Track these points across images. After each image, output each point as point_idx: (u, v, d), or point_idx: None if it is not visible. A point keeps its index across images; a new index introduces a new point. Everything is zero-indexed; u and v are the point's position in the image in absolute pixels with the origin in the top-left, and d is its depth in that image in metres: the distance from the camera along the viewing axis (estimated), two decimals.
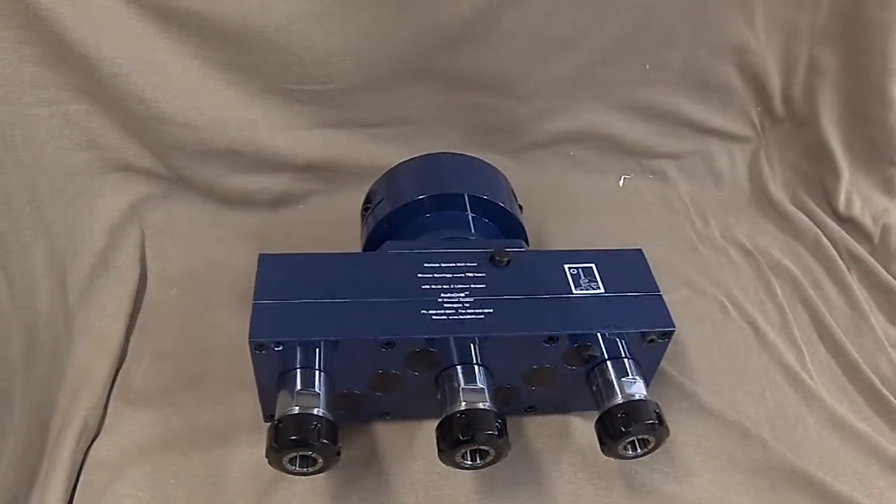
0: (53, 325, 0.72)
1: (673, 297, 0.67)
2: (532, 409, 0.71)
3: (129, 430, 0.69)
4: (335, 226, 0.86)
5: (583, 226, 0.95)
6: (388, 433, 0.70)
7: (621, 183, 1.03)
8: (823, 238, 0.94)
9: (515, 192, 0.81)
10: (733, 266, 0.92)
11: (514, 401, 0.68)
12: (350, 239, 0.81)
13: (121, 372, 0.74)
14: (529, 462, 0.69)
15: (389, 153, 0.90)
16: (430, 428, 0.67)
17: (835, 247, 0.94)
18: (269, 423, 0.58)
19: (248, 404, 0.67)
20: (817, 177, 1.01)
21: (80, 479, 0.65)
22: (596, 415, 0.64)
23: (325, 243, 0.82)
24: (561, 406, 0.71)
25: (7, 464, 0.61)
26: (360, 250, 0.77)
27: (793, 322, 0.84)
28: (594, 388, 0.65)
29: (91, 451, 0.67)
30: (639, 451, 0.63)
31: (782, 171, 1.04)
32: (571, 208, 0.97)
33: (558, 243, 0.91)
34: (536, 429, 0.71)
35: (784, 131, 1.04)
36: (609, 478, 0.68)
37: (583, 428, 0.71)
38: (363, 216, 0.78)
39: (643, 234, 0.94)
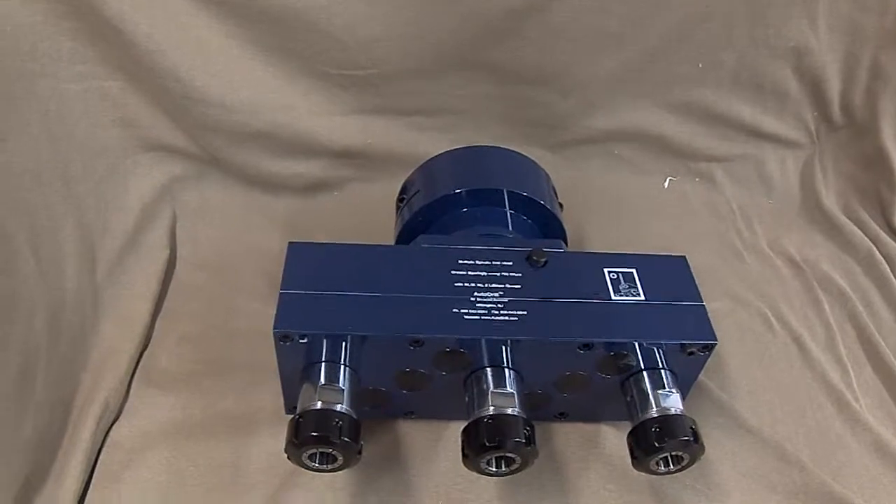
0: (80, 303, 0.71)
1: (714, 306, 0.64)
2: (562, 416, 0.69)
3: (150, 413, 0.69)
4: (370, 215, 0.85)
5: (624, 227, 0.92)
6: (412, 432, 0.68)
7: (666, 185, 1.00)
8: (877, 252, 0.91)
9: (556, 189, 0.78)
10: (779, 278, 0.88)
11: (543, 406, 0.66)
12: (384, 229, 0.79)
13: (145, 354, 0.74)
14: (556, 470, 0.67)
15: (429, 143, 0.89)
16: (456, 429, 0.66)
17: (888, 262, 0.90)
18: (291, 415, 0.57)
19: (271, 394, 0.66)
20: (873, 188, 0.97)
21: (99, 460, 0.65)
22: (628, 425, 0.62)
23: (359, 232, 0.82)
24: (592, 414, 0.69)
25: (26, 441, 0.61)
26: (393, 242, 0.76)
27: (840, 339, 0.81)
28: (628, 399, 0.63)
29: (111, 433, 0.67)
30: (671, 467, 0.60)
31: (836, 181, 1.00)
32: (613, 208, 0.95)
33: (598, 244, 0.88)
34: (565, 436, 0.69)
35: (840, 139, 1.00)
36: (638, 491, 0.66)
37: (613, 438, 0.69)
38: (398, 207, 0.77)
39: (686, 240, 0.91)
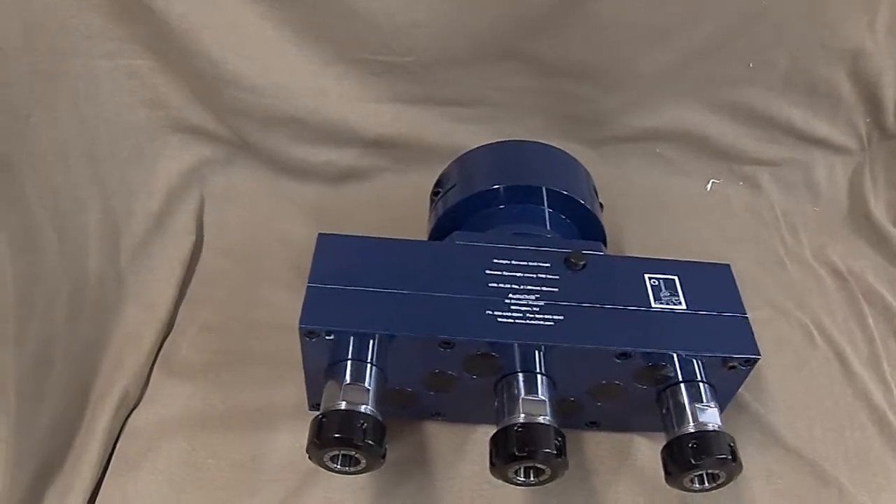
0: (102, 286, 0.70)
1: (754, 316, 0.62)
2: (594, 425, 0.67)
3: (169, 402, 0.68)
4: (402, 207, 0.83)
5: (663, 229, 0.90)
6: (438, 434, 0.67)
7: (709, 187, 0.97)
8: None
9: (596, 187, 0.76)
10: (823, 289, 0.85)
11: (575, 415, 0.64)
12: (416, 222, 0.78)
13: (167, 340, 0.73)
14: (585, 480, 0.65)
15: (465, 134, 0.87)
16: (484, 433, 0.66)
17: None
18: (313, 412, 0.55)
19: (294, 388, 0.64)
20: None
21: (117, 448, 0.64)
22: (662, 436, 0.60)
23: (390, 224, 0.80)
24: (625, 424, 0.67)
25: (43, 426, 0.60)
26: (426, 236, 0.74)
27: (883, 356, 0.78)
28: (664, 411, 0.60)
29: (130, 420, 0.66)
30: (706, 484, 0.58)
31: (886, 191, 0.96)
32: (653, 209, 0.92)
33: (636, 246, 0.86)
34: (596, 445, 0.67)
35: (893, 147, 0.96)
36: None
37: (646, 449, 0.66)
38: (432, 201, 0.75)
39: (727, 245, 0.88)
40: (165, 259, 0.77)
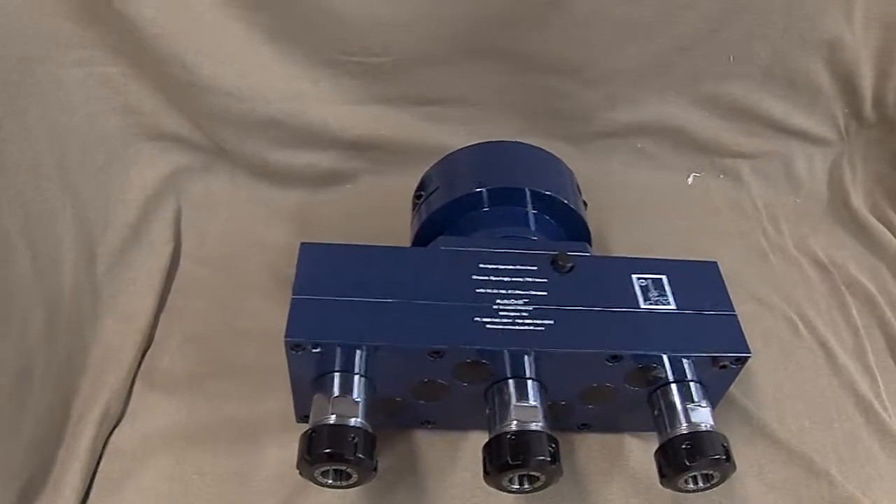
0: (79, 301, 0.68)
1: (740, 310, 0.62)
2: (585, 427, 0.66)
3: (152, 418, 0.66)
4: (383, 209, 0.82)
5: (646, 225, 0.90)
6: (429, 442, 0.66)
7: (690, 181, 0.97)
8: None
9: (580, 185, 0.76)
10: (806, 280, 0.85)
11: (567, 417, 0.64)
12: (399, 224, 0.77)
13: (147, 353, 0.71)
14: (577, 483, 0.64)
15: (445, 134, 0.86)
16: (475, 439, 0.65)
17: None
18: (301, 423, 0.55)
19: (280, 398, 0.63)
20: None
21: (99, 467, 0.63)
22: (653, 436, 0.60)
23: (372, 227, 0.80)
24: (616, 425, 0.66)
25: (23, 447, 0.59)
26: (409, 238, 0.73)
27: (868, 346, 0.78)
28: (656, 412, 0.60)
29: (112, 438, 0.65)
30: (700, 485, 0.58)
31: (865, 180, 0.97)
32: (635, 204, 0.92)
33: (620, 242, 0.86)
34: (587, 447, 0.67)
35: (871, 137, 0.97)
36: None
37: (637, 450, 0.66)
38: (415, 204, 0.74)
39: (710, 239, 0.88)
40: (143, 269, 0.76)
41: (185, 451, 0.64)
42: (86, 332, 0.69)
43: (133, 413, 0.66)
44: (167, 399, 0.67)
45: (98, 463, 0.63)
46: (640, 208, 0.92)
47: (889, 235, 0.90)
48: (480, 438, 0.57)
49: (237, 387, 0.68)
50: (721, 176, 0.97)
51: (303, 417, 0.61)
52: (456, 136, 0.82)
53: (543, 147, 0.75)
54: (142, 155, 0.79)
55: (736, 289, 0.63)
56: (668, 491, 0.60)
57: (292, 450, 0.53)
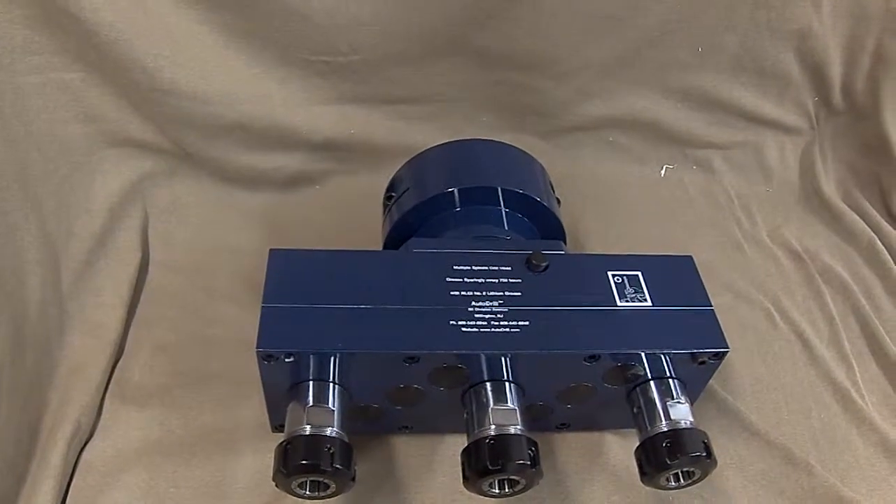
0: (45, 315, 0.67)
1: (716, 302, 0.61)
2: (564, 426, 0.66)
3: (124, 432, 0.65)
4: (353, 210, 0.81)
5: (619, 218, 0.89)
6: (406, 447, 0.65)
7: (663, 173, 0.97)
8: (878, 242, 0.88)
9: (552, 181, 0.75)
10: (780, 270, 0.86)
11: (545, 418, 0.63)
12: (369, 225, 0.76)
13: (118, 366, 0.70)
14: (558, 483, 0.64)
15: (416, 133, 0.86)
16: (452, 443, 0.64)
17: (890, 252, 0.87)
18: (276, 432, 0.53)
19: (255, 405, 0.63)
20: (873, 175, 0.95)
21: (72, 484, 0.61)
22: (632, 433, 0.59)
23: (342, 229, 0.79)
24: (595, 423, 0.66)
25: None
26: (380, 239, 0.72)
27: (843, 334, 0.79)
28: (635, 410, 0.60)
29: (84, 454, 0.63)
30: (682, 482, 0.58)
31: (836, 168, 0.97)
32: (608, 198, 0.92)
33: (592, 235, 0.85)
34: (567, 446, 0.66)
35: (841, 124, 0.98)
36: (644, 503, 0.63)
37: (617, 447, 0.66)
38: (385, 206, 0.72)
39: (684, 231, 0.89)
40: (111, 280, 0.74)
41: (159, 464, 0.62)
42: (53, 347, 0.67)
43: (105, 427, 0.65)
44: (139, 412, 0.66)
45: (70, 479, 0.61)
46: (613, 201, 0.92)
47: (861, 223, 0.91)
48: (457, 441, 0.56)
49: (210, 396, 0.67)
50: (694, 167, 0.97)
51: (278, 426, 0.60)
52: (426, 133, 0.81)
53: (515, 142, 0.75)
54: (105, 162, 0.77)
55: (711, 280, 0.63)
56: (650, 488, 0.60)
57: (269, 458, 0.52)
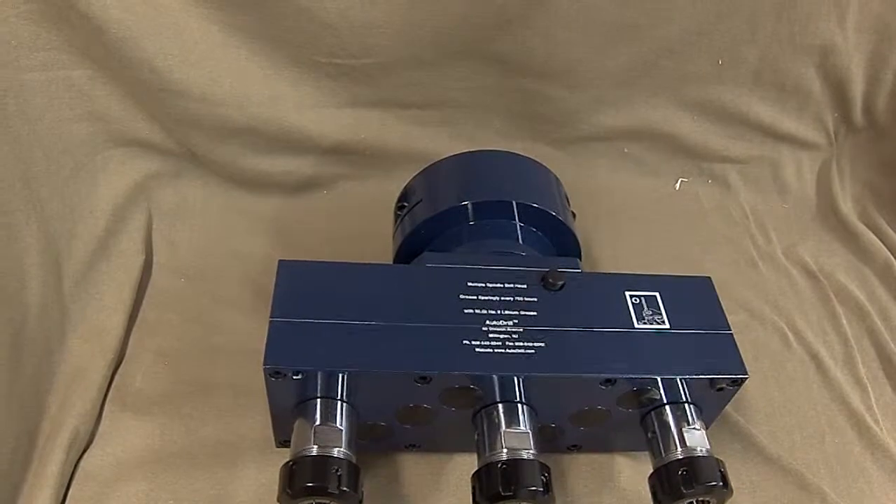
0: (45, 319, 0.65)
1: (730, 320, 0.60)
2: (575, 448, 0.64)
3: (124, 440, 0.64)
4: (363, 216, 0.80)
5: (633, 231, 0.88)
6: (414, 465, 0.64)
7: (677, 186, 0.95)
8: (894, 263, 0.87)
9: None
10: (795, 289, 0.84)
11: (557, 439, 0.62)
12: (379, 231, 0.74)
13: (118, 373, 0.68)
14: None
15: (427, 138, 0.85)
16: (460, 462, 0.63)
17: None
18: (281, 448, 0.53)
19: (258, 418, 0.62)
20: (892, 194, 0.93)
21: (69, 494, 0.60)
22: (644, 455, 0.58)
23: (351, 236, 0.78)
24: (606, 444, 0.65)
25: None
26: (390, 247, 0.71)
27: (858, 357, 0.78)
28: (650, 434, 0.59)
29: (82, 463, 0.62)
30: None
31: (853, 186, 0.96)
32: (621, 210, 0.90)
33: (608, 251, 0.84)
34: (577, 467, 0.65)
35: (860, 142, 0.96)
36: None
37: (628, 470, 0.65)
38: (397, 216, 0.71)
39: (698, 247, 0.87)
40: (113, 283, 0.72)
41: (158, 475, 0.61)
42: (53, 351, 0.66)
43: (104, 435, 0.64)
44: (140, 420, 0.65)
45: (68, 488, 0.60)
46: (627, 213, 0.90)
47: (878, 243, 0.89)
48: (466, 461, 0.55)
49: (214, 406, 0.66)
50: (709, 181, 0.96)
51: (283, 442, 0.58)
52: (438, 140, 0.79)
53: (527, 150, 0.73)
54: (110, 163, 0.76)
55: (725, 297, 0.62)
56: None
57: (271, 472, 0.51)
